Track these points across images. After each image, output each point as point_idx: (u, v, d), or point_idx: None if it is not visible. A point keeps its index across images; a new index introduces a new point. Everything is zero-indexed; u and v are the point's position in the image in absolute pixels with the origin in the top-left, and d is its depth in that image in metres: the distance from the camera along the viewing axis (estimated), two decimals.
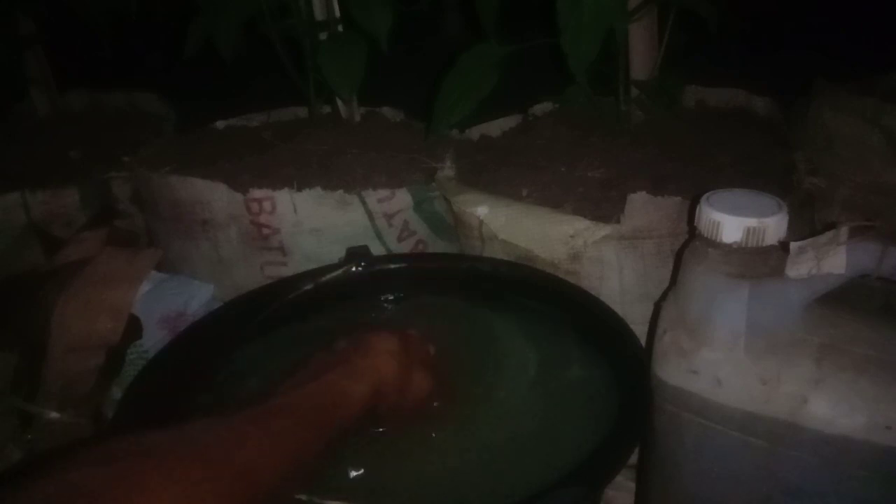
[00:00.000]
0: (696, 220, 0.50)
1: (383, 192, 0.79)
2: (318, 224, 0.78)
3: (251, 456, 0.41)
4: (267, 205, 0.77)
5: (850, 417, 0.44)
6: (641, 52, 0.86)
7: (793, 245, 0.47)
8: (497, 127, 0.97)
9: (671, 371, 0.50)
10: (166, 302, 0.80)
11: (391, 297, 0.72)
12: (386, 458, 0.54)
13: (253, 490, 0.40)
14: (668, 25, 0.84)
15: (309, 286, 0.69)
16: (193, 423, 0.42)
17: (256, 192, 0.77)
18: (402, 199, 0.80)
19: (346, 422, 0.48)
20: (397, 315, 0.71)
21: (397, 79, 1.14)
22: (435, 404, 0.57)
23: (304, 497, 0.48)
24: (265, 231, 0.79)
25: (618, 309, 0.63)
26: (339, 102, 0.97)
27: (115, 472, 0.35)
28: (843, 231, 0.46)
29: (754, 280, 0.47)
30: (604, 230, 0.67)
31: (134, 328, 0.78)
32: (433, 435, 0.55)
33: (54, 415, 0.73)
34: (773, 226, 0.47)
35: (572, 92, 0.90)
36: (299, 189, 0.77)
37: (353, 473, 0.53)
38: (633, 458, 0.58)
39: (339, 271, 0.70)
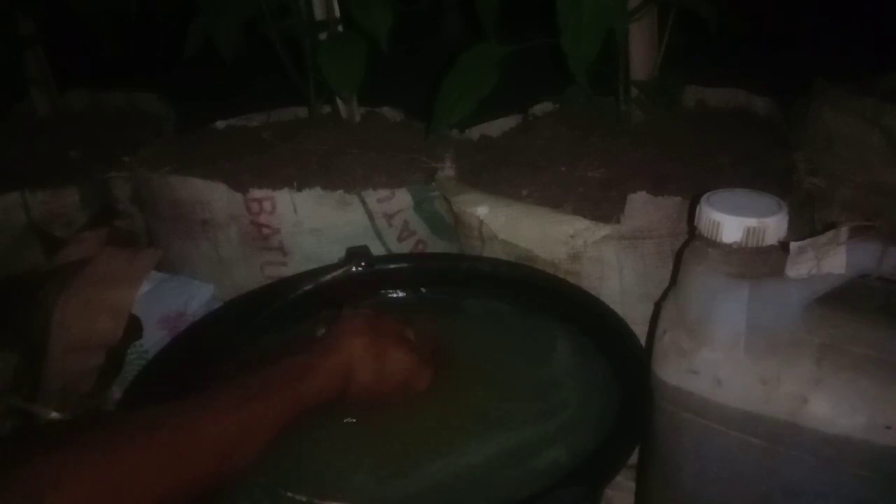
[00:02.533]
0: (696, 220, 0.50)
1: (383, 192, 0.79)
2: (318, 224, 0.78)
3: (204, 431, 0.42)
4: (267, 205, 0.77)
5: (850, 417, 0.44)
6: (641, 52, 0.86)
7: (793, 245, 0.47)
8: (497, 127, 0.97)
9: (671, 371, 0.50)
10: (166, 302, 0.80)
11: (391, 297, 0.72)
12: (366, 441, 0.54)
13: (204, 465, 0.41)
14: (668, 25, 0.84)
15: (309, 286, 0.69)
16: (154, 406, 0.43)
17: (256, 192, 0.77)
18: (402, 199, 0.80)
19: (309, 398, 0.49)
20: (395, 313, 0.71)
21: (397, 79, 1.14)
22: (417, 388, 0.57)
23: (303, 498, 0.48)
24: (265, 231, 0.79)
25: (618, 309, 0.63)
26: (339, 102, 0.97)
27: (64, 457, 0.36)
28: (843, 231, 0.46)
29: (754, 280, 0.47)
30: (604, 230, 0.67)
31: (134, 328, 0.78)
32: (413, 419, 0.55)
33: (54, 415, 0.73)
34: (773, 226, 0.47)
35: (572, 92, 0.90)
36: (299, 189, 0.77)
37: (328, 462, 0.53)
38: (634, 458, 0.58)
39: (339, 271, 0.70)
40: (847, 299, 0.46)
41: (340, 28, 0.92)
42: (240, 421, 0.44)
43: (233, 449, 0.43)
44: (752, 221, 0.47)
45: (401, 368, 0.56)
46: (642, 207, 0.66)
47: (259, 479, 0.50)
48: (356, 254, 0.72)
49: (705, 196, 0.50)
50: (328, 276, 0.70)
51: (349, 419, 0.55)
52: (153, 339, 0.79)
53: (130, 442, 0.39)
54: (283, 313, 0.68)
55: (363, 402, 0.55)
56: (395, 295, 0.72)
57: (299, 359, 0.51)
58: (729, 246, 0.48)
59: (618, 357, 0.58)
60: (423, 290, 0.72)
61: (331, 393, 0.51)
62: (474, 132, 0.95)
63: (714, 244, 0.49)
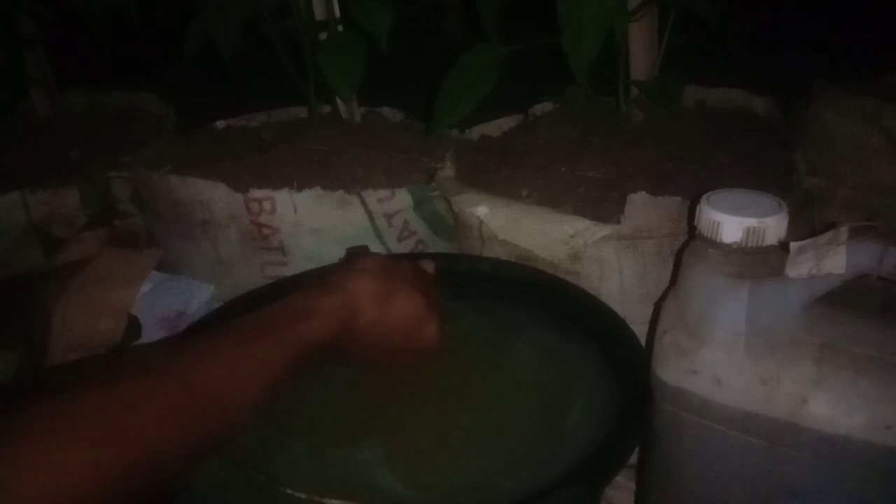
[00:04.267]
0: (696, 220, 0.50)
1: (383, 192, 0.79)
2: (318, 224, 0.78)
3: (199, 370, 0.41)
4: (267, 205, 0.77)
5: (850, 417, 0.44)
6: (641, 52, 0.86)
7: (793, 245, 0.47)
8: (497, 127, 0.97)
9: (671, 371, 0.50)
10: (166, 302, 0.81)
11: None
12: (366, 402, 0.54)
13: (201, 405, 0.40)
14: (668, 25, 0.84)
15: None
16: (152, 349, 0.43)
17: (256, 192, 0.77)
18: (402, 199, 0.80)
19: (309, 337, 0.47)
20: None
21: (397, 79, 1.14)
22: (422, 338, 0.55)
23: (303, 496, 0.48)
24: (265, 231, 0.79)
25: (618, 309, 0.63)
26: (339, 102, 0.97)
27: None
28: (843, 231, 0.46)
29: (754, 280, 0.47)
30: (604, 230, 0.67)
31: (132, 328, 0.78)
32: (406, 412, 0.55)
33: None
34: (773, 226, 0.47)
35: (572, 92, 0.90)
36: (299, 189, 0.77)
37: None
38: (634, 458, 0.58)
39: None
40: (847, 299, 0.46)
41: (340, 28, 0.92)
42: (235, 359, 0.43)
43: (229, 387, 0.42)
44: (752, 221, 0.47)
45: (407, 314, 0.53)
46: (642, 207, 0.66)
47: (259, 476, 0.50)
48: (356, 254, 0.72)
49: (705, 196, 0.50)
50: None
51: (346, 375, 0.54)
52: (153, 339, 0.79)
53: (125, 384, 0.38)
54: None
55: (364, 348, 0.53)
56: None
57: (302, 297, 0.49)
58: (729, 246, 0.48)
59: (618, 357, 0.58)
60: None
61: (331, 333, 0.48)
62: (474, 132, 0.95)
63: (714, 244, 0.49)
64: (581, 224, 0.68)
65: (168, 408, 0.38)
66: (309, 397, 0.54)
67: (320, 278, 0.53)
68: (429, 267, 0.60)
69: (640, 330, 0.60)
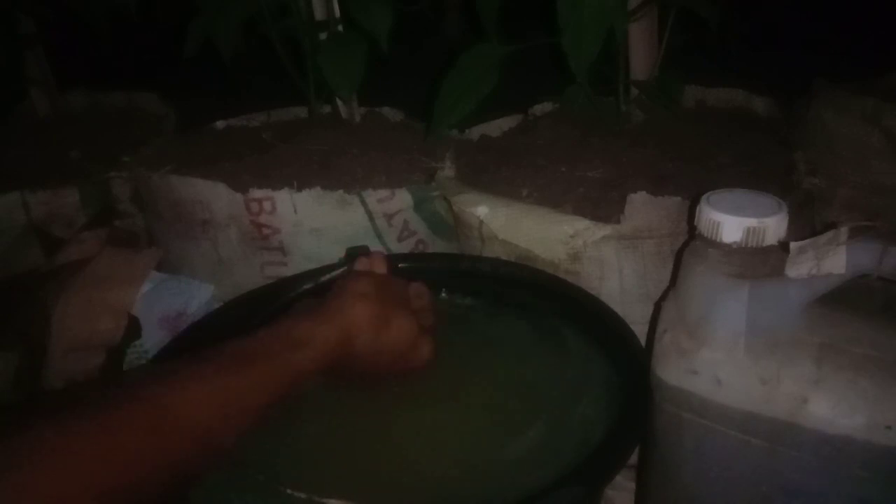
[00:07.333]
0: (696, 220, 0.50)
1: (383, 192, 0.79)
2: (318, 224, 0.78)
3: (186, 401, 0.40)
4: (267, 205, 0.77)
5: (850, 417, 0.44)
6: (641, 52, 0.86)
7: (793, 245, 0.47)
8: (497, 127, 0.97)
9: (671, 371, 0.50)
10: (166, 302, 0.81)
11: None
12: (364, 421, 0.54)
13: (187, 437, 0.39)
14: (669, 25, 0.84)
15: (309, 286, 0.69)
16: (139, 374, 0.41)
17: (256, 192, 0.77)
18: (402, 199, 0.80)
19: (303, 367, 0.46)
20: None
21: (397, 79, 1.14)
22: (416, 362, 0.55)
23: (303, 496, 0.48)
24: (265, 231, 0.79)
25: (618, 309, 0.63)
26: (339, 102, 0.97)
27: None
28: (843, 231, 0.46)
29: (754, 280, 0.47)
30: (604, 230, 0.67)
31: (132, 328, 0.78)
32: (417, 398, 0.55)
33: None
34: (773, 226, 0.47)
35: (572, 92, 0.90)
36: (299, 189, 0.77)
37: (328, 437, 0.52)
38: (634, 458, 0.58)
39: (339, 271, 0.70)
40: (847, 299, 0.46)
41: (340, 28, 0.92)
42: (224, 390, 0.42)
43: (217, 419, 0.41)
44: (752, 221, 0.47)
45: (403, 338, 0.53)
46: (642, 207, 0.66)
47: (258, 476, 0.50)
48: (356, 254, 0.72)
49: (705, 196, 0.50)
50: (328, 276, 0.70)
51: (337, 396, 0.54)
52: (153, 339, 0.79)
53: (107, 415, 0.37)
54: (283, 313, 0.68)
55: (358, 372, 0.52)
56: None
57: (295, 325, 0.48)
58: (729, 246, 0.48)
59: (618, 357, 0.58)
60: None
61: (325, 361, 0.48)
62: (474, 132, 0.95)
63: (714, 244, 0.49)
64: (581, 224, 0.68)
65: (153, 434, 0.37)
66: (305, 421, 0.53)
67: (314, 303, 0.52)
68: (422, 289, 0.60)
69: (640, 330, 0.60)
